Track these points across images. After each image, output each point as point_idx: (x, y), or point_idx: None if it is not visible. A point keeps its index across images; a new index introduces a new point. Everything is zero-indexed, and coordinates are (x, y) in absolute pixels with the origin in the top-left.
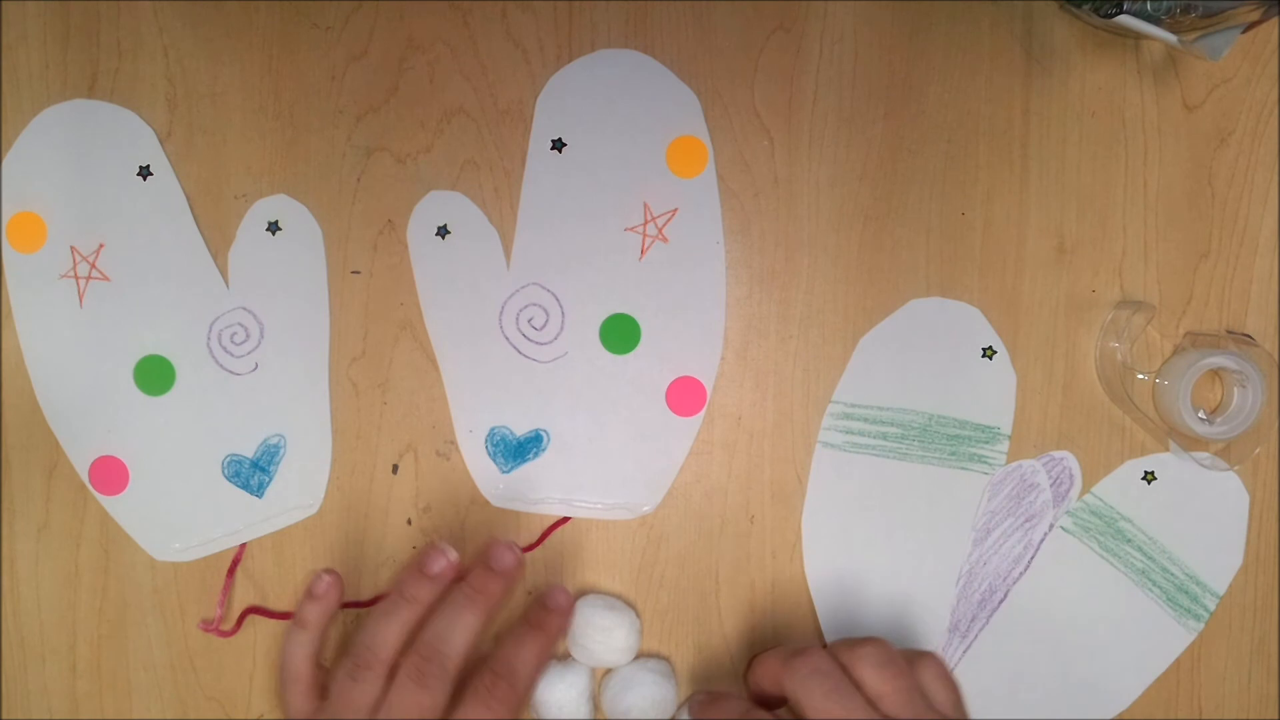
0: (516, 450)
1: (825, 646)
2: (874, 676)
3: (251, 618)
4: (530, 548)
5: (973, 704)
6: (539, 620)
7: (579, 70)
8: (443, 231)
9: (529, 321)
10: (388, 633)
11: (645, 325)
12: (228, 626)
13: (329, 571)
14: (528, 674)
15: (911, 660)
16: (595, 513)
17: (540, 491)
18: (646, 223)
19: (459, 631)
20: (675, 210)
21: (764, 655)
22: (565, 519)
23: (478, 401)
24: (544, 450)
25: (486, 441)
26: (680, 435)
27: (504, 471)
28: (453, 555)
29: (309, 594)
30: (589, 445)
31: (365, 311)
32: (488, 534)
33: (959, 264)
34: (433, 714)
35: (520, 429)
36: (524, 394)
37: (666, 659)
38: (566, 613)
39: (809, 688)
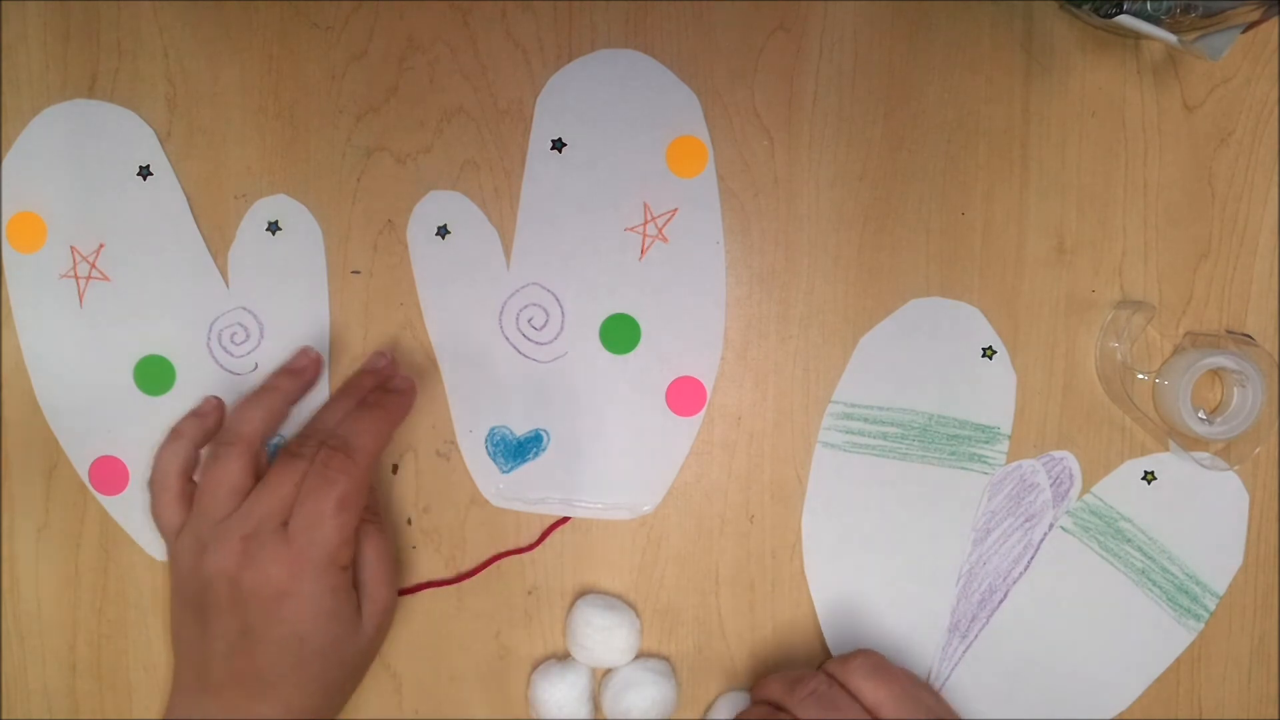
0: (516, 450)
1: (820, 667)
2: (868, 686)
3: None
4: (530, 547)
5: (973, 704)
6: (376, 399)
7: (579, 70)
8: (443, 231)
9: (529, 321)
10: (251, 413)
11: (645, 325)
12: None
13: (215, 398)
14: (366, 447)
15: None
16: (595, 512)
17: (540, 491)
18: (646, 223)
19: (364, 434)
20: (675, 210)
21: (766, 681)
22: (565, 519)
23: (477, 401)
24: (544, 450)
25: (486, 441)
26: (680, 435)
27: (504, 471)
28: (314, 352)
29: (191, 411)
30: (589, 445)
31: (365, 311)
32: (487, 534)
33: (959, 264)
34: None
35: (520, 429)
36: (524, 394)
37: (666, 659)
38: (407, 392)
39: (809, 713)
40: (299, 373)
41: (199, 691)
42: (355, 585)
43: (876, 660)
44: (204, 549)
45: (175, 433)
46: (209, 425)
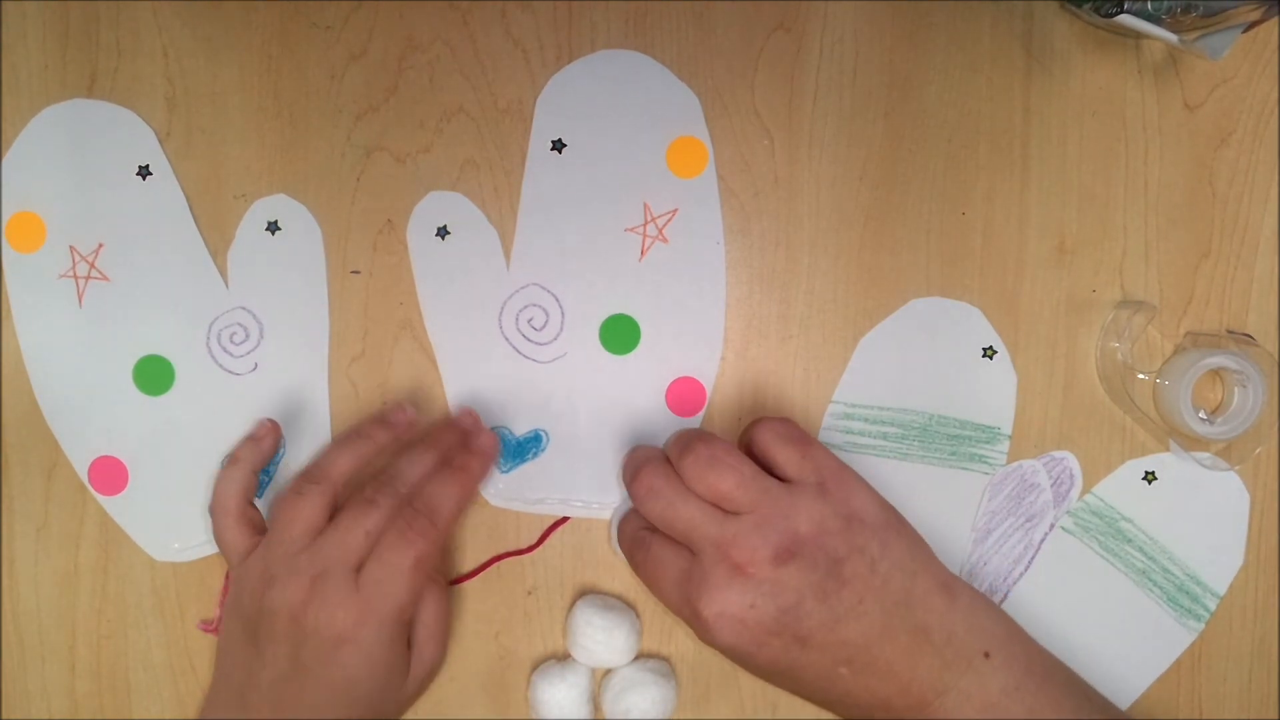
0: (516, 450)
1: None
2: (700, 481)
3: None
4: (530, 549)
5: None
6: (462, 462)
7: (579, 71)
8: (442, 232)
9: (529, 322)
10: (341, 458)
11: (645, 326)
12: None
13: (270, 420)
14: (448, 513)
15: (748, 435)
16: (594, 512)
17: (539, 491)
18: (646, 223)
19: (448, 498)
20: (675, 210)
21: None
22: (564, 519)
23: (477, 401)
24: (543, 450)
25: None
26: None
27: (503, 471)
28: (411, 413)
29: (248, 436)
30: (588, 446)
31: (365, 311)
32: (487, 534)
33: (959, 264)
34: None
35: (520, 429)
36: (524, 394)
37: (666, 659)
38: (490, 455)
39: (648, 509)
40: (393, 426)
41: (237, 710)
42: (409, 639)
43: (710, 450)
44: (272, 580)
45: (233, 459)
46: (265, 449)
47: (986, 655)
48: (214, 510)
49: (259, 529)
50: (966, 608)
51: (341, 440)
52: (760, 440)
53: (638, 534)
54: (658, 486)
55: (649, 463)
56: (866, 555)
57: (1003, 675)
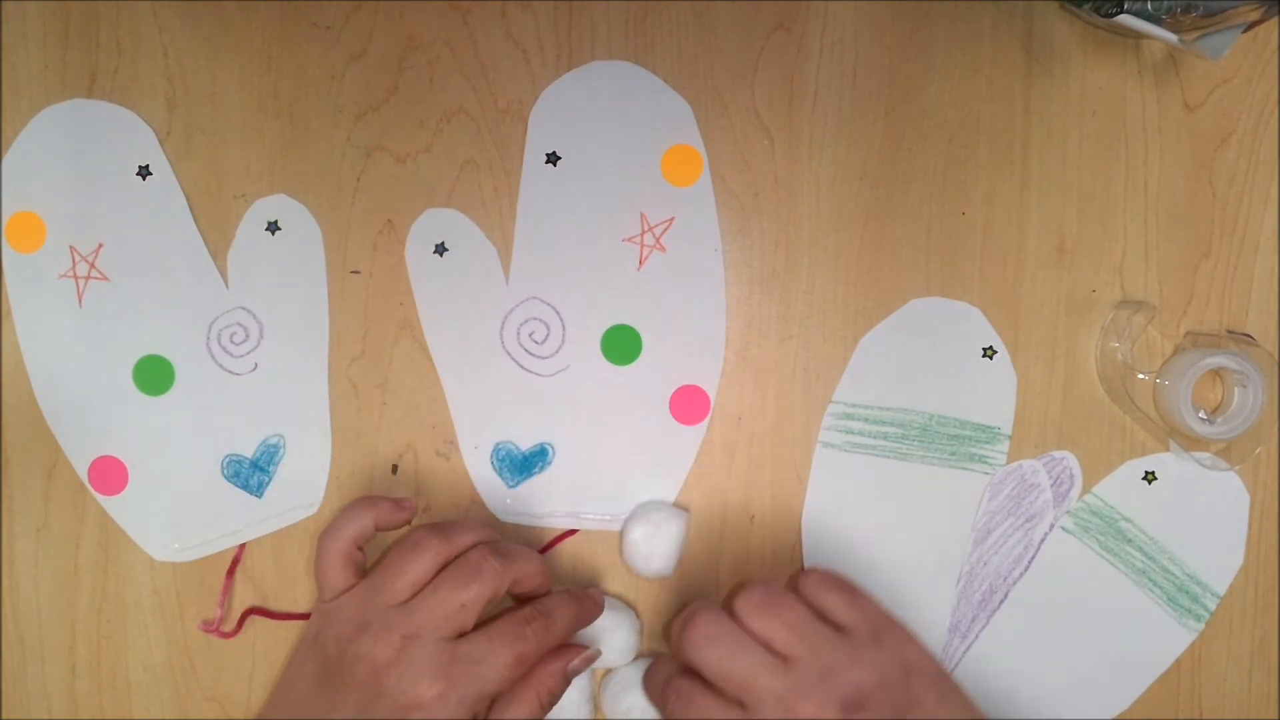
0: (522, 465)
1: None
2: (757, 621)
3: (252, 618)
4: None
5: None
6: (582, 594)
7: (571, 84)
8: (440, 249)
9: (530, 335)
10: (470, 530)
11: (646, 335)
12: (229, 628)
13: (413, 508)
14: (564, 624)
15: (793, 584)
16: (605, 525)
17: (547, 505)
18: (644, 233)
19: (570, 615)
20: (672, 219)
21: (674, 623)
22: (573, 530)
23: (482, 417)
24: (549, 464)
25: (492, 457)
26: (685, 443)
27: (510, 486)
28: (597, 599)
29: (393, 498)
30: (594, 457)
31: (365, 311)
32: None
33: (959, 264)
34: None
35: (525, 443)
36: (528, 408)
37: None
38: (601, 605)
39: (704, 657)
40: (531, 559)
41: None
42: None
43: (765, 592)
44: (365, 628)
45: (368, 501)
46: (400, 518)
47: None
48: (324, 538)
49: (360, 573)
50: None
51: (479, 522)
52: (807, 588)
53: (676, 682)
54: (714, 634)
55: (705, 609)
56: (925, 708)
57: None
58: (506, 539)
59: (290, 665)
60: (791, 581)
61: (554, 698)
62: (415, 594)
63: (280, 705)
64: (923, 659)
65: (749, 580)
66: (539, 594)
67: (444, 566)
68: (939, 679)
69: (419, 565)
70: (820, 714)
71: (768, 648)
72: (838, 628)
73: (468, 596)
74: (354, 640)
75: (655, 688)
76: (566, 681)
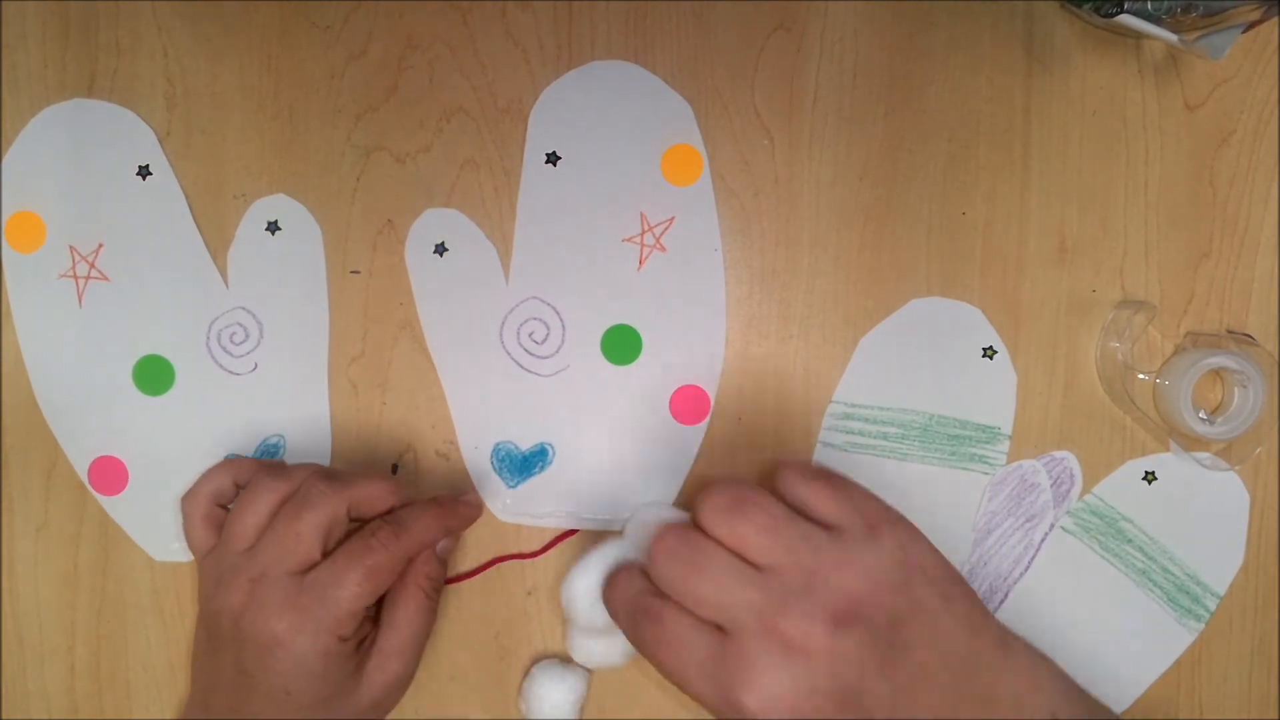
0: (522, 465)
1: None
2: (725, 527)
3: None
4: (535, 554)
5: None
6: (448, 498)
7: (570, 84)
8: (440, 249)
9: (530, 335)
10: (310, 466)
11: (646, 335)
12: None
13: (298, 469)
14: (420, 529)
15: (774, 479)
16: (603, 524)
17: (547, 505)
18: (644, 233)
19: (423, 522)
20: (672, 219)
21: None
22: (573, 531)
23: (481, 417)
24: (549, 464)
25: (492, 457)
26: (686, 444)
27: (510, 486)
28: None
29: (265, 461)
30: (594, 458)
31: (365, 311)
32: (488, 534)
33: (959, 264)
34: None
35: (525, 443)
36: (527, 408)
37: None
38: (477, 509)
39: (669, 577)
40: (380, 481)
41: (202, 710)
42: (371, 649)
43: (731, 493)
44: (219, 581)
45: (227, 462)
46: (272, 480)
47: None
48: (184, 499)
49: (216, 524)
50: (1027, 666)
51: (324, 466)
52: (784, 483)
53: (643, 601)
54: (677, 548)
55: (673, 525)
56: (928, 611)
57: None
58: (507, 540)
59: (194, 639)
60: (767, 477)
61: (435, 583)
62: (259, 537)
63: (194, 680)
64: (927, 557)
65: (713, 480)
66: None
67: (282, 505)
68: (944, 580)
69: (257, 507)
70: (805, 630)
71: (741, 557)
72: (824, 526)
73: (301, 526)
74: (214, 596)
75: (622, 606)
76: (442, 564)
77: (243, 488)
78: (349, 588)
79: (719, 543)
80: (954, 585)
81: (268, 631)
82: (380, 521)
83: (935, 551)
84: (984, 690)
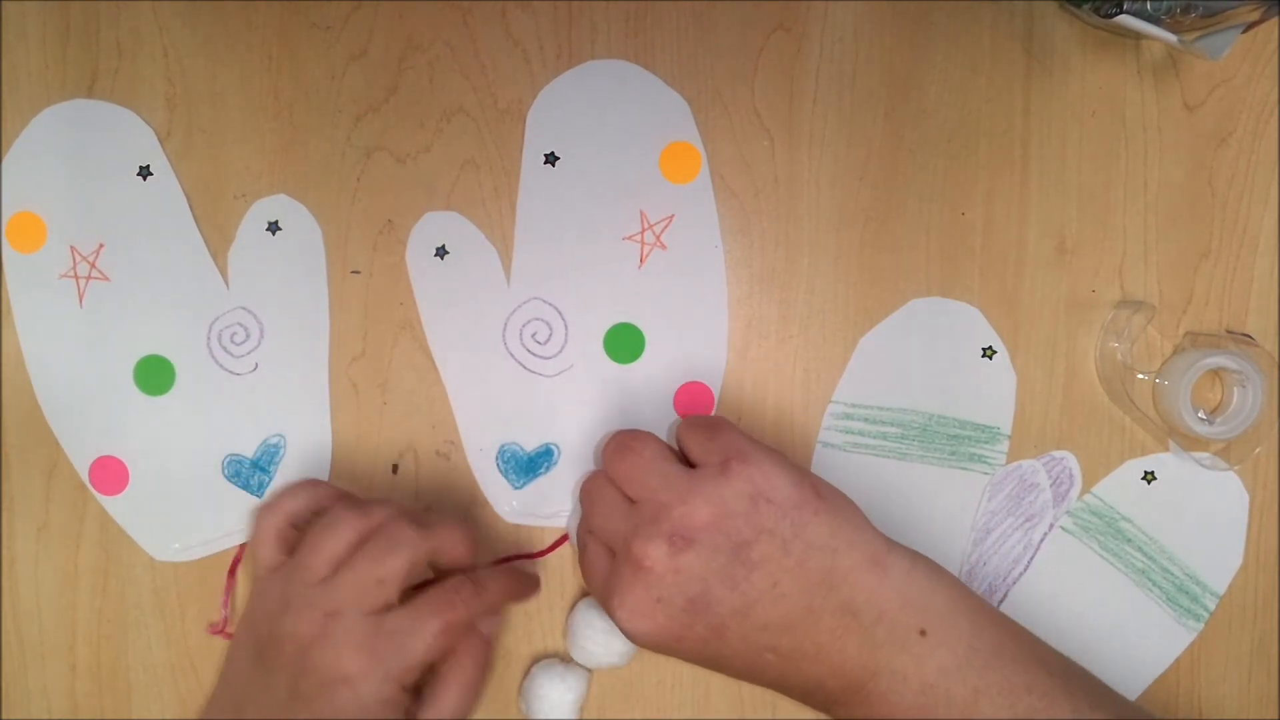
0: (528, 466)
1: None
2: (612, 467)
3: None
4: (541, 554)
5: None
6: (518, 570)
7: (567, 83)
8: (441, 252)
9: (533, 336)
10: (387, 506)
11: (649, 333)
12: (234, 629)
13: (330, 488)
14: (496, 594)
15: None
16: None
17: (554, 506)
18: (644, 231)
19: (503, 585)
20: (672, 216)
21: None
22: None
23: (486, 419)
24: (555, 464)
25: (497, 458)
26: None
27: (516, 487)
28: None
29: (345, 493)
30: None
31: (365, 311)
32: (489, 534)
33: (959, 264)
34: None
35: (530, 444)
36: (532, 409)
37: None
38: (538, 584)
39: (583, 509)
40: (454, 530)
41: (234, 715)
42: (427, 702)
43: (620, 438)
44: (287, 606)
45: (309, 483)
46: (354, 515)
47: (922, 633)
48: (261, 511)
49: (290, 552)
50: (900, 582)
51: (396, 502)
52: (677, 431)
53: (581, 537)
54: (588, 488)
55: (592, 473)
56: (777, 536)
57: (942, 653)
58: (509, 541)
59: (232, 645)
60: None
61: (492, 648)
62: (335, 570)
63: (224, 687)
64: (779, 487)
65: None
66: (463, 565)
67: (362, 542)
68: (798, 505)
69: (336, 542)
70: (647, 550)
71: (623, 493)
72: (692, 467)
73: (384, 571)
74: (278, 619)
75: (577, 544)
76: (489, 645)
77: (318, 514)
78: (425, 639)
79: (611, 481)
80: (810, 512)
81: (338, 669)
82: (464, 578)
83: (793, 483)
84: (842, 604)
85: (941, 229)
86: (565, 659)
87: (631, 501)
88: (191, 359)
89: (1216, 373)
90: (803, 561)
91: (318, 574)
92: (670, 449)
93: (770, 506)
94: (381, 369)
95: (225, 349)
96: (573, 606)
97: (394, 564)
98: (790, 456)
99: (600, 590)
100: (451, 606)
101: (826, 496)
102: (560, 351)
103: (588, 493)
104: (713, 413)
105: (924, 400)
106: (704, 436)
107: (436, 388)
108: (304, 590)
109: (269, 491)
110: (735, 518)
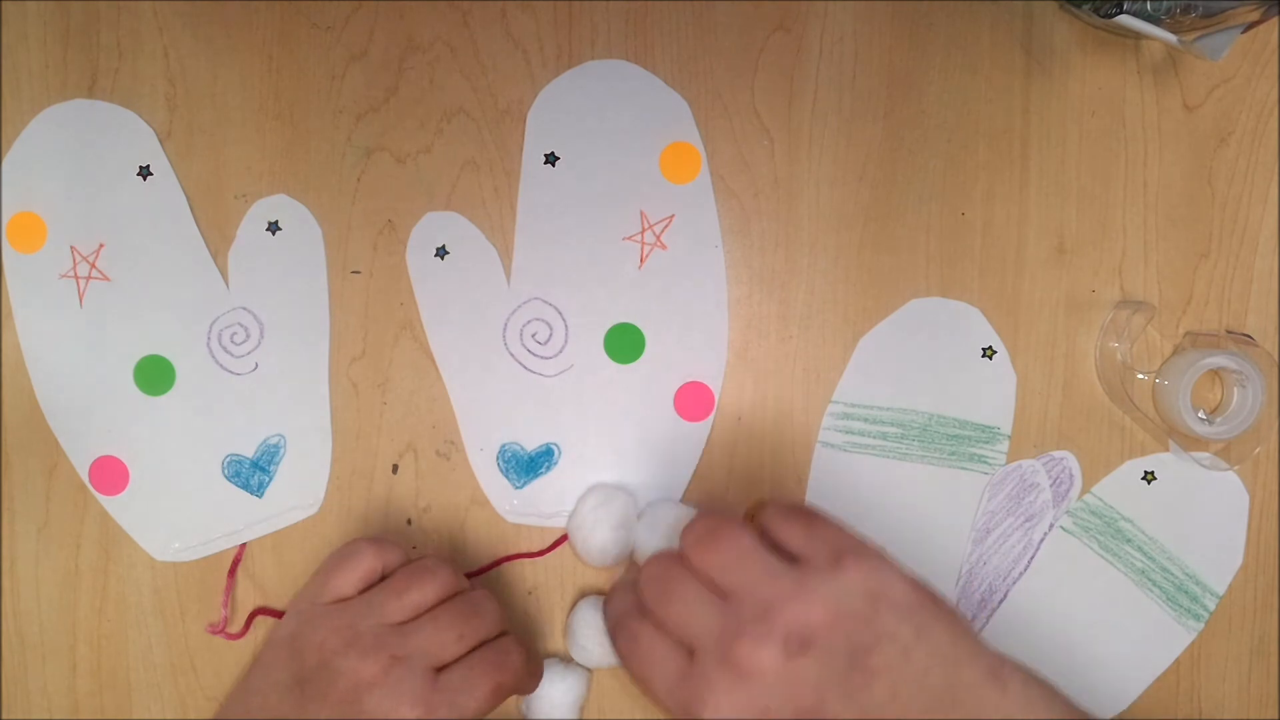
0: (528, 465)
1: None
2: (698, 556)
3: (258, 619)
4: (541, 553)
5: None
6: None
7: (567, 83)
8: (441, 252)
9: (533, 336)
10: (492, 610)
11: (649, 333)
12: (235, 629)
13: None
14: (534, 671)
15: (757, 515)
16: None
17: (554, 505)
18: (644, 231)
19: (538, 661)
20: (672, 217)
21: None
22: None
23: (487, 419)
24: (555, 464)
25: (498, 458)
26: (691, 440)
27: (517, 487)
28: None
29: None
30: (600, 456)
31: (365, 311)
32: (488, 534)
33: (959, 264)
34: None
35: (530, 444)
36: (532, 409)
37: None
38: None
39: (647, 598)
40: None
41: None
42: None
43: (708, 524)
44: (354, 641)
45: (400, 550)
46: (444, 573)
47: None
48: (366, 543)
49: (367, 586)
50: (1019, 698)
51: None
52: (765, 519)
53: (626, 618)
54: (658, 573)
55: (658, 554)
56: (898, 642)
57: None
58: (509, 540)
59: (257, 669)
60: (750, 512)
61: None
62: (412, 619)
63: (245, 701)
64: (897, 587)
65: (701, 512)
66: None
67: (444, 600)
68: (918, 609)
69: (425, 591)
70: (757, 653)
71: (710, 585)
72: (794, 560)
73: (467, 629)
74: (340, 652)
75: (610, 619)
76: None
77: (397, 569)
78: (477, 698)
79: (694, 571)
80: (930, 616)
81: (395, 715)
82: (513, 641)
83: (911, 583)
84: None
85: (941, 229)
86: (565, 659)
87: (722, 596)
88: (191, 359)
89: (1216, 373)
90: (925, 671)
91: (396, 616)
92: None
93: (891, 609)
94: (381, 369)
95: (225, 349)
96: (573, 606)
97: (478, 624)
98: (790, 456)
99: (671, 693)
100: (504, 669)
101: (942, 602)
102: (560, 351)
103: (659, 579)
104: (712, 413)
105: (924, 400)
106: (803, 527)
107: (437, 388)
108: (376, 629)
109: (378, 539)
110: (854, 619)
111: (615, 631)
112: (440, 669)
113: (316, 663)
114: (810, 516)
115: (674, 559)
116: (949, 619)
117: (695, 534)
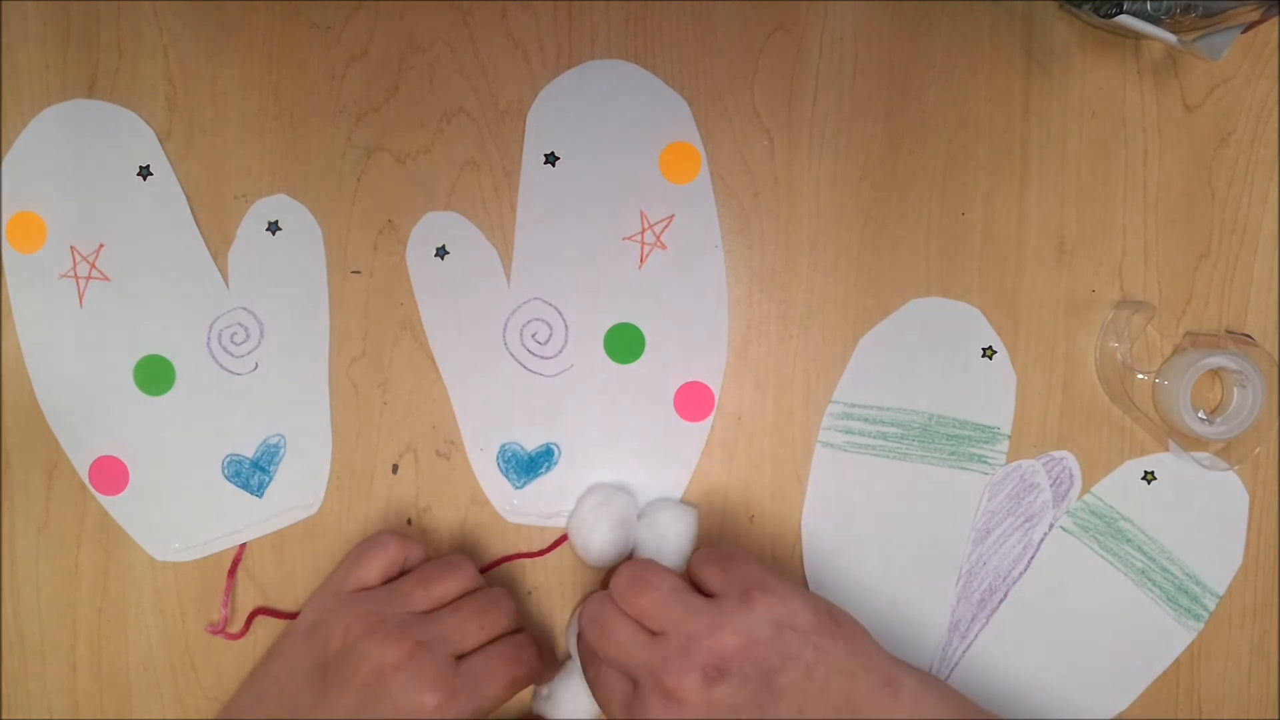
0: (528, 465)
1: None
2: (628, 601)
3: (258, 619)
4: (541, 553)
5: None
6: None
7: (567, 83)
8: (441, 252)
9: (533, 336)
10: (506, 610)
11: (649, 333)
12: (235, 629)
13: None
14: (548, 669)
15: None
16: None
17: (554, 505)
18: (644, 231)
19: (553, 662)
20: (672, 216)
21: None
22: None
23: (487, 419)
24: (555, 464)
25: (498, 458)
26: (691, 440)
27: (517, 487)
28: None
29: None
30: (600, 456)
31: (365, 311)
32: (488, 534)
33: (959, 264)
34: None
35: (530, 444)
36: (532, 409)
37: None
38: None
39: (590, 640)
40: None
41: (280, 714)
42: None
43: (632, 572)
44: (378, 626)
45: (419, 540)
46: (470, 569)
47: None
48: (393, 537)
49: (389, 578)
50: (911, 703)
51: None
52: (691, 564)
53: (588, 652)
54: (595, 615)
55: (595, 595)
56: (801, 662)
57: None
58: (509, 540)
59: (274, 659)
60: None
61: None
62: (436, 609)
63: (260, 690)
64: (799, 614)
65: (625, 562)
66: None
67: (466, 594)
68: (817, 631)
69: (450, 583)
70: (682, 683)
71: (642, 625)
72: (711, 597)
73: (487, 621)
74: (365, 637)
75: (581, 649)
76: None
77: (419, 563)
78: (495, 688)
79: (625, 612)
80: (829, 637)
81: (416, 700)
82: (529, 637)
83: (812, 609)
84: None
85: (941, 229)
86: (563, 659)
87: (651, 633)
88: (191, 359)
89: (1216, 373)
90: (825, 686)
91: (420, 606)
92: (684, 580)
93: (794, 633)
94: (381, 369)
95: (225, 349)
96: (575, 606)
97: (497, 617)
98: (790, 456)
99: (620, 713)
100: (521, 663)
101: (842, 621)
102: (560, 351)
103: (597, 621)
104: (712, 413)
105: (924, 400)
106: (719, 568)
107: (436, 388)
108: (401, 616)
109: (400, 534)
110: (762, 646)
111: (584, 658)
112: (460, 658)
113: (340, 647)
114: (727, 558)
115: (606, 603)
116: (847, 637)
117: (623, 582)
